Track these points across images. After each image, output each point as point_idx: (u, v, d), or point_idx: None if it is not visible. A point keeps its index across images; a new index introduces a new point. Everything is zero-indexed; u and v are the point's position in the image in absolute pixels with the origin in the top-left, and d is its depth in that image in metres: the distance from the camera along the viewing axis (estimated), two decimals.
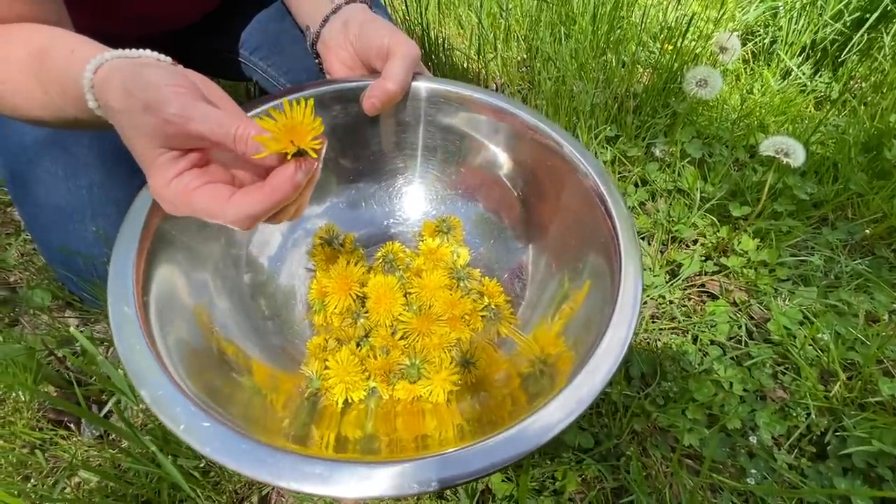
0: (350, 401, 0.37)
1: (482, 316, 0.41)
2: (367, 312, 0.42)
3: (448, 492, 0.49)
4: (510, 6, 1.09)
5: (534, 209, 0.45)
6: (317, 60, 0.53)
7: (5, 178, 0.64)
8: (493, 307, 0.42)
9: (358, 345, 0.40)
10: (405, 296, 0.42)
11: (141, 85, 0.31)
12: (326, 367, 0.38)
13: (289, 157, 0.29)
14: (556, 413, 0.28)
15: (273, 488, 0.53)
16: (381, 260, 0.44)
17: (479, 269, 0.46)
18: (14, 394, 0.57)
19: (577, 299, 0.37)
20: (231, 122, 0.30)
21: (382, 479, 0.26)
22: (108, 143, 0.61)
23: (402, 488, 0.26)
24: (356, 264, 0.43)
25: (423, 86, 0.44)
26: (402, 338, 0.40)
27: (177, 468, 0.46)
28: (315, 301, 0.43)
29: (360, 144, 0.47)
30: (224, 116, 0.30)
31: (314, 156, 0.29)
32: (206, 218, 0.31)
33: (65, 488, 0.49)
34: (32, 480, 0.53)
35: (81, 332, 0.66)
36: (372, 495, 0.25)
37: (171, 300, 0.35)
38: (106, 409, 0.57)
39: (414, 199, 0.50)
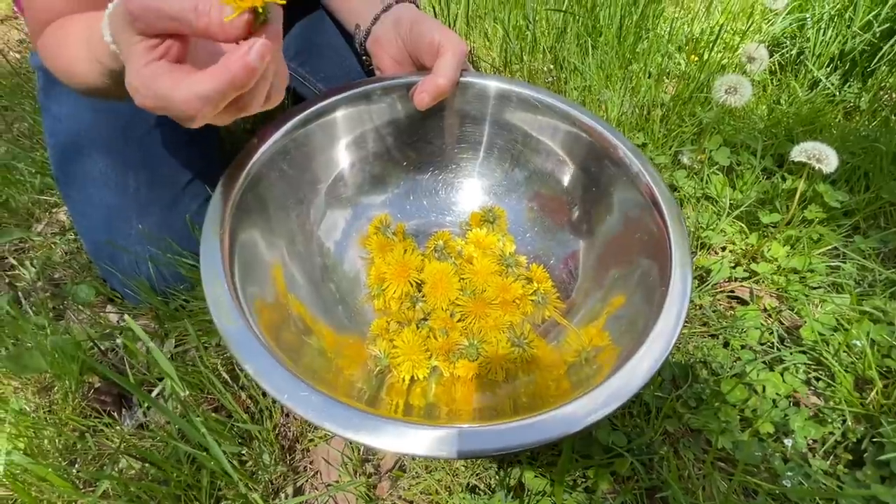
0: (415, 378, 0.39)
1: (531, 300, 0.43)
2: (424, 297, 0.44)
3: (482, 485, 0.50)
4: (536, 18, 1.11)
5: (587, 206, 0.47)
6: (365, 58, 0.55)
7: (56, 178, 0.67)
8: (541, 292, 0.44)
9: (417, 327, 0.42)
10: (459, 281, 0.44)
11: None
12: (394, 347, 0.40)
13: (260, 9, 0.28)
14: (586, 407, 0.29)
15: (306, 480, 0.54)
16: (432, 248, 0.46)
17: (525, 257, 0.47)
18: (61, 382, 0.59)
19: (624, 297, 0.39)
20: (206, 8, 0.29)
21: (416, 440, 0.28)
22: (154, 146, 0.64)
23: (431, 450, 0.28)
24: (412, 252, 0.45)
25: (493, 85, 0.46)
26: (459, 320, 0.42)
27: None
28: (374, 286, 0.45)
29: (417, 138, 0.49)
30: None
31: (282, 1, 0.28)
32: (162, 103, 0.30)
33: (112, 472, 0.51)
34: (76, 466, 0.55)
35: (123, 324, 0.68)
36: (404, 451, 0.28)
37: (253, 270, 0.38)
38: (153, 394, 0.59)
39: (466, 191, 0.52)
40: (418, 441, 0.28)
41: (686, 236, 0.37)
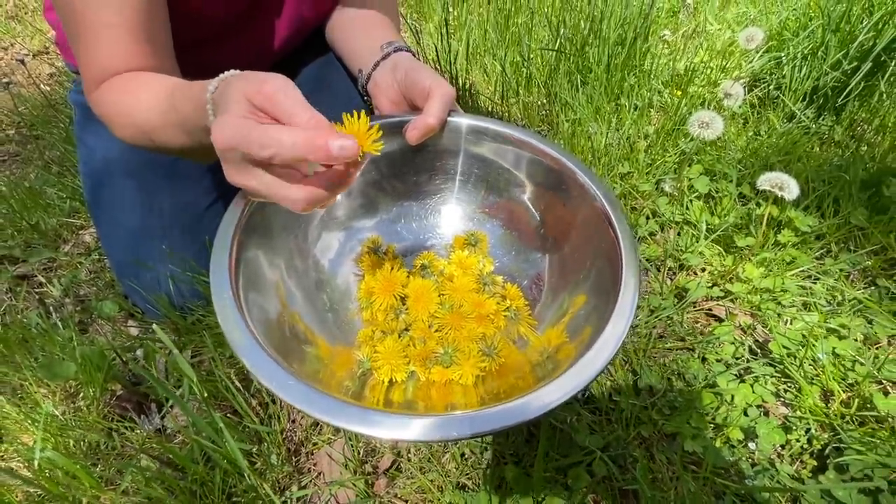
0: (394, 380, 0.44)
1: (504, 315, 0.48)
2: (407, 309, 0.49)
3: (471, 483, 0.54)
4: (531, 56, 1.19)
5: (551, 227, 0.53)
6: (366, 98, 0.62)
7: (87, 201, 0.74)
8: (514, 309, 0.49)
9: (399, 336, 0.48)
10: (439, 296, 0.49)
11: (250, 73, 0.38)
12: (376, 352, 0.45)
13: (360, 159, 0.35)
14: (555, 393, 0.34)
15: (310, 480, 0.58)
16: (418, 266, 0.52)
17: (502, 277, 0.53)
18: (87, 389, 0.65)
19: (581, 300, 0.44)
20: (319, 126, 0.34)
21: (417, 427, 0.32)
22: (178, 174, 0.71)
23: (433, 435, 0.32)
24: (398, 270, 0.50)
25: (465, 122, 0.53)
26: (436, 331, 0.47)
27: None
28: (363, 299, 0.50)
29: (407, 169, 0.55)
30: (315, 118, 0.34)
31: (377, 153, 0.36)
32: (243, 132, 0.34)
33: (134, 470, 0.56)
34: (100, 466, 0.59)
35: (143, 337, 0.74)
36: (409, 439, 0.32)
37: (256, 283, 0.43)
38: (169, 403, 0.64)
39: (448, 217, 0.58)
40: (411, 428, 0.32)
41: (635, 247, 0.43)
